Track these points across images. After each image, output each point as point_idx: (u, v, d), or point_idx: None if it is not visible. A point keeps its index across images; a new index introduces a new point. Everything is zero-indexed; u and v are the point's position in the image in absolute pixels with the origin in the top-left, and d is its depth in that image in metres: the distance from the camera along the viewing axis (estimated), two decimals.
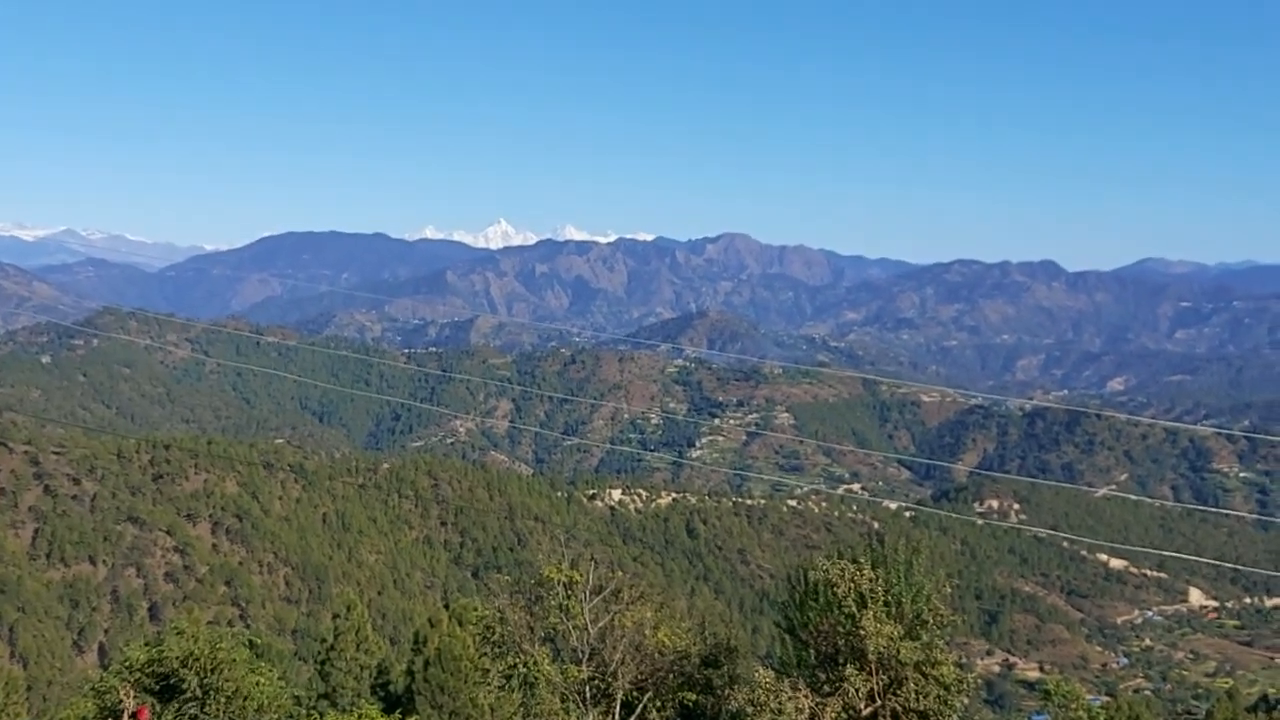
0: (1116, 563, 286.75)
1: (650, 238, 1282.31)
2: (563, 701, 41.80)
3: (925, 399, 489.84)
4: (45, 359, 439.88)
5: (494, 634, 47.34)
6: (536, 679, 43.39)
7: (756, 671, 34.15)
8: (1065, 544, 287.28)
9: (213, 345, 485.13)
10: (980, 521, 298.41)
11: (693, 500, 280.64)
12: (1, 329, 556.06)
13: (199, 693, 41.01)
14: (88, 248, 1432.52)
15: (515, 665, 44.62)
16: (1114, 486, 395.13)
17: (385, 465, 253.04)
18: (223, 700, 41.06)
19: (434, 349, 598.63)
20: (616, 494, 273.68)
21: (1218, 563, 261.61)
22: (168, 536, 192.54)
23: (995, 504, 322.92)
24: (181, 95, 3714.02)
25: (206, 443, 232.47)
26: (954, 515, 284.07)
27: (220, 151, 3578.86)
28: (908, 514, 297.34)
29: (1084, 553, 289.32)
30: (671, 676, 40.96)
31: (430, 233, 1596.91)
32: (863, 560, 33.53)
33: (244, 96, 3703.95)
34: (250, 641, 50.97)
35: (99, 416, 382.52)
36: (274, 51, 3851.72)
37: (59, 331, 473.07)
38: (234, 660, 42.57)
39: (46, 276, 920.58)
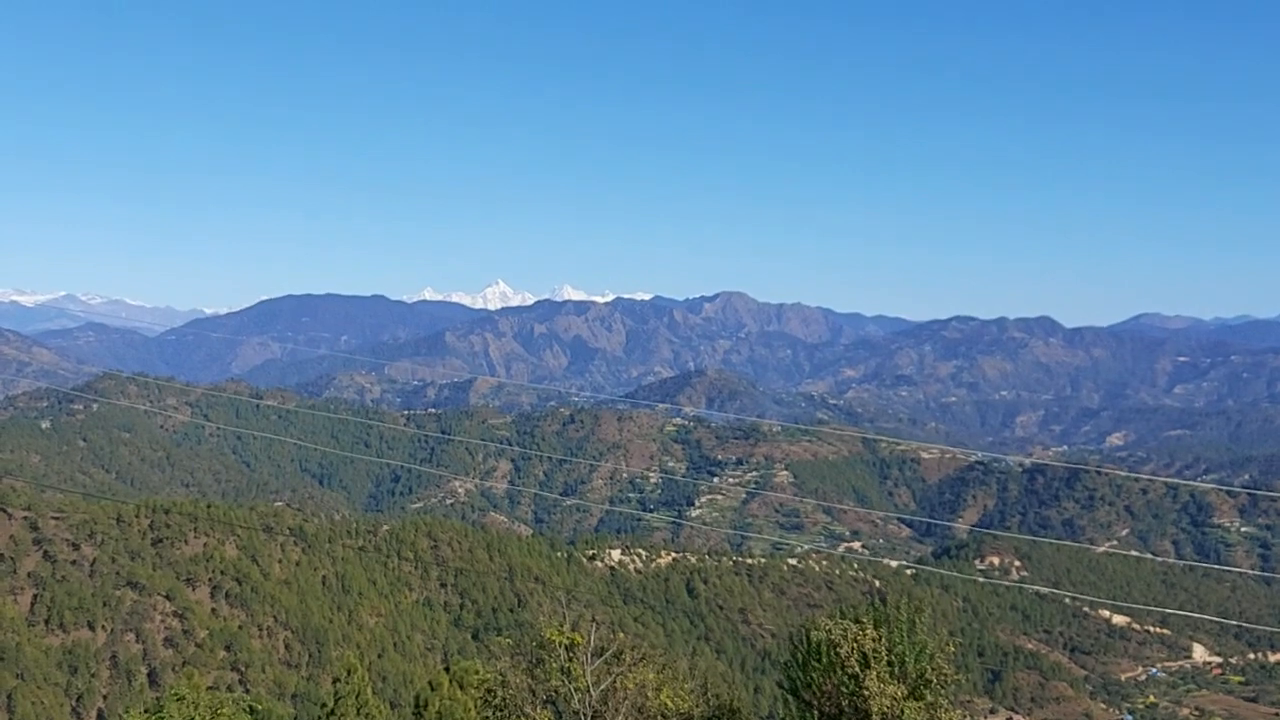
0: (1119, 619, 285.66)
1: (648, 297, 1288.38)
2: None
3: (925, 456, 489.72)
4: (45, 424, 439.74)
5: (495, 697, 47.15)
6: None
7: None
8: (1067, 600, 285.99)
9: (212, 409, 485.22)
10: (981, 579, 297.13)
11: (693, 560, 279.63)
12: (1, 394, 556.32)
13: None
14: (87, 312, 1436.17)
15: None
16: (1115, 542, 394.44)
17: (385, 527, 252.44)
18: None
19: (433, 410, 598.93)
20: (616, 554, 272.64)
21: (1221, 619, 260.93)
22: (167, 601, 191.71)
23: (996, 561, 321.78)
24: (180, 161, 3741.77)
25: (206, 506, 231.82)
26: (955, 573, 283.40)
27: (219, 216, 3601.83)
28: (909, 572, 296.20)
29: (1086, 609, 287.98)
30: None
31: (429, 294, 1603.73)
32: (865, 619, 33.55)
33: (241, 162, 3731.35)
34: (251, 707, 50.95)
35: (98, 481, 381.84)
36: (272, 117, 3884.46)
37: (59, 396, 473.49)
38: None
39: (46, 341, 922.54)
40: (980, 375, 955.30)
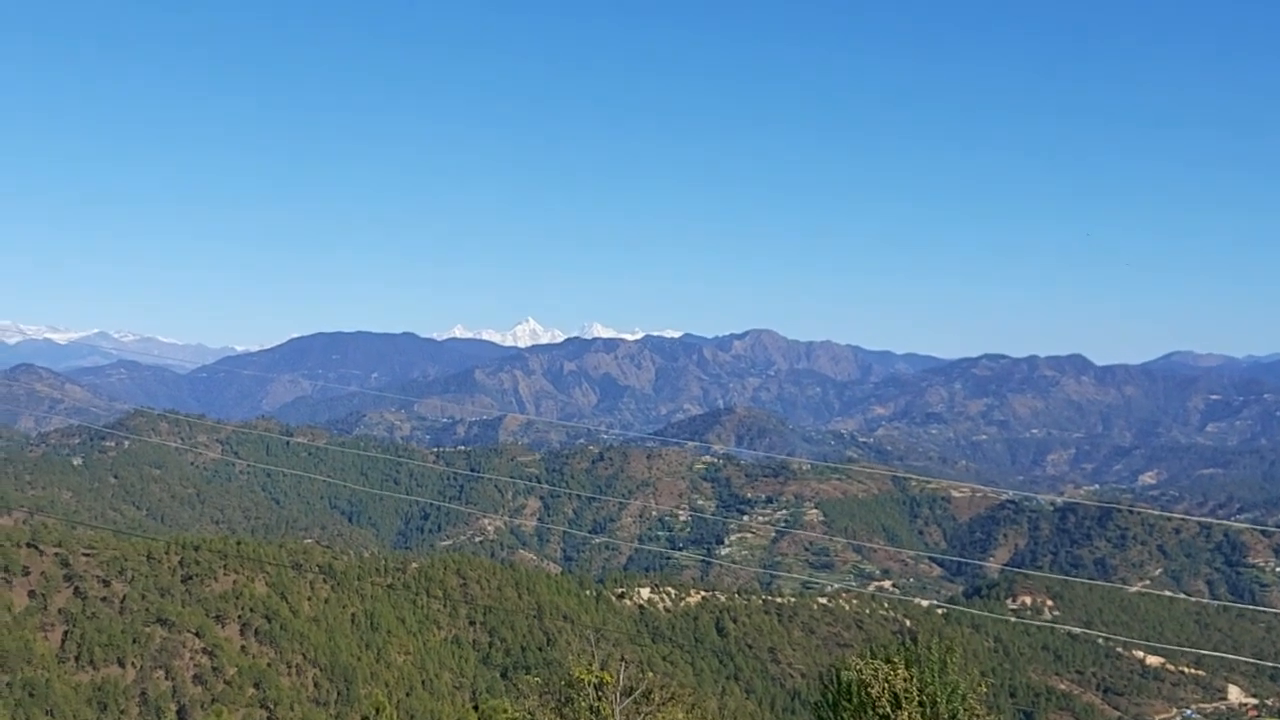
0: (1153, 659, 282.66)
1: (677, 335, 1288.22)
2: None
3: (955, 494, 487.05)
4: (77, 461, 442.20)
5: None
6: None
7: None
8: (1100, 641, 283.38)
9: (243, 446, 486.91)
10: (1013, 618, 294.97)
11: (722, 598, 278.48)
12: (34, 431, 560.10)
13: None
14: (120, 350, 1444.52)
15: None
16: (1148, 582, 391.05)
17: (414, 564, 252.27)
18: None
19: (463, 447, 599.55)
20: (645, 592, 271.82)
21: (1257, 660, 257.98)
22: (196, 638, 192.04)
23: (1028, 600, 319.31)
24: (212, 200, 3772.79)
25: (236, 543, 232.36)
26: (986, 612, 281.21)
27: (250, 254, 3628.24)
28: (940, 611, 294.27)
29: (1119, 649, 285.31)
30: None
31: (459, 332, 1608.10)
32: (897, 659, 33.31)
33: (272, 201, 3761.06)
34: None
35: (129, 518, 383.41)
36: (303, 157, 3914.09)
37: (90, 433, 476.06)
38: None
39: (79, 379, 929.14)
40: (1011, 413, 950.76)
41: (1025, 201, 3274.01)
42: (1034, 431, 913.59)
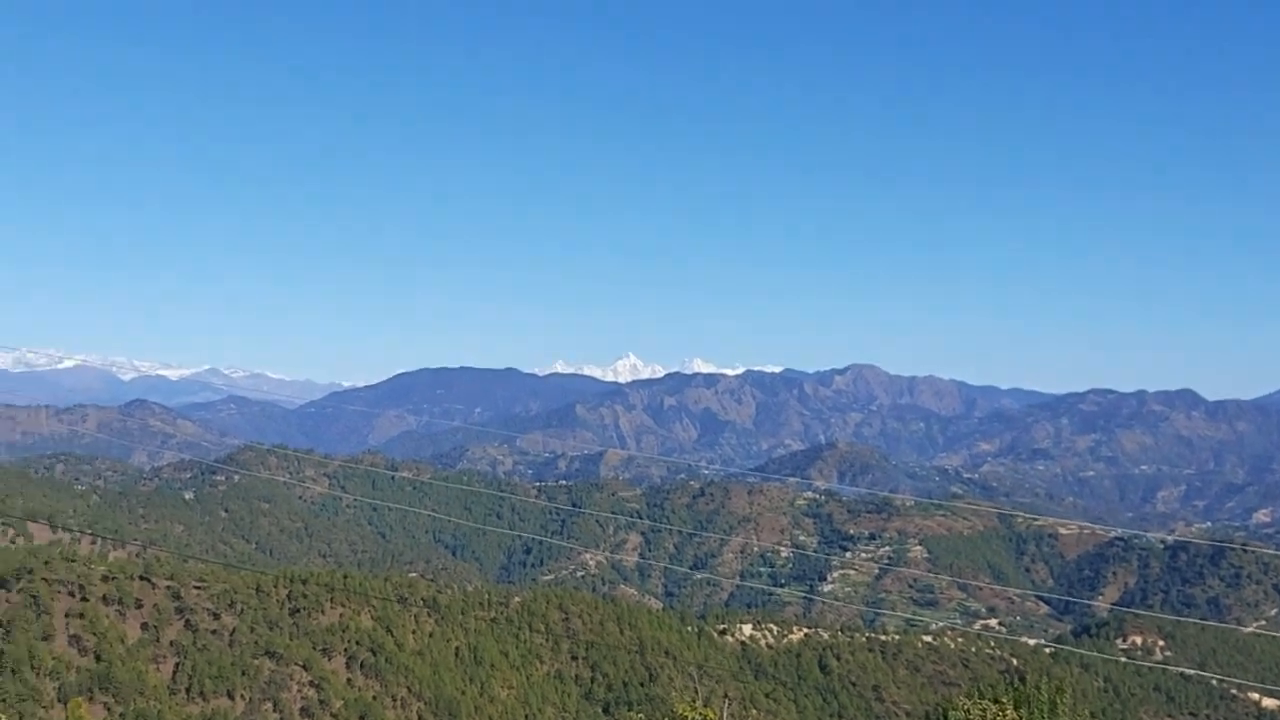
0: (1269, 702, 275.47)
1: (778, 369, 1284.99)
2: None
3: (1063, 531, 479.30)
4: (188, 495, 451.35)
5: None
6: None
7: None
8: (1214, 682, 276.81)
9: (349, 480, 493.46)
10: (1123, 659, 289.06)
11: (825, 635, 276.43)
12: (147, 465, 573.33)
13: None
14: (230, 386, 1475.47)
15: None
16: (1264, 622, 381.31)
17: (517, 599, 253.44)
18: None
19: (564, 482, 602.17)
20: (747, 629, 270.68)
21: None
22: (304, 671, 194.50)
23: (1139, 640, 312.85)
24: (320, 239, 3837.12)
25: (342, 577, 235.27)
26: (1096, 652, 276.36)
27: (358, 292, 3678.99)
28: (1048, 650, 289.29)
29: (1234, 691, 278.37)
30: None
31: (560, 367, 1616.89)
32: (1005, 699, 33.20)
33: (379, 239, 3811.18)
34: None
35: (239, 551, 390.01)
36: (407, 196, 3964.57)
37: (202, 468, 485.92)
38: None
39: (190, 414, 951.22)
40: (1119, 449, 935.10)
41: (1133, 235, 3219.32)
42: (1143, 468, 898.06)
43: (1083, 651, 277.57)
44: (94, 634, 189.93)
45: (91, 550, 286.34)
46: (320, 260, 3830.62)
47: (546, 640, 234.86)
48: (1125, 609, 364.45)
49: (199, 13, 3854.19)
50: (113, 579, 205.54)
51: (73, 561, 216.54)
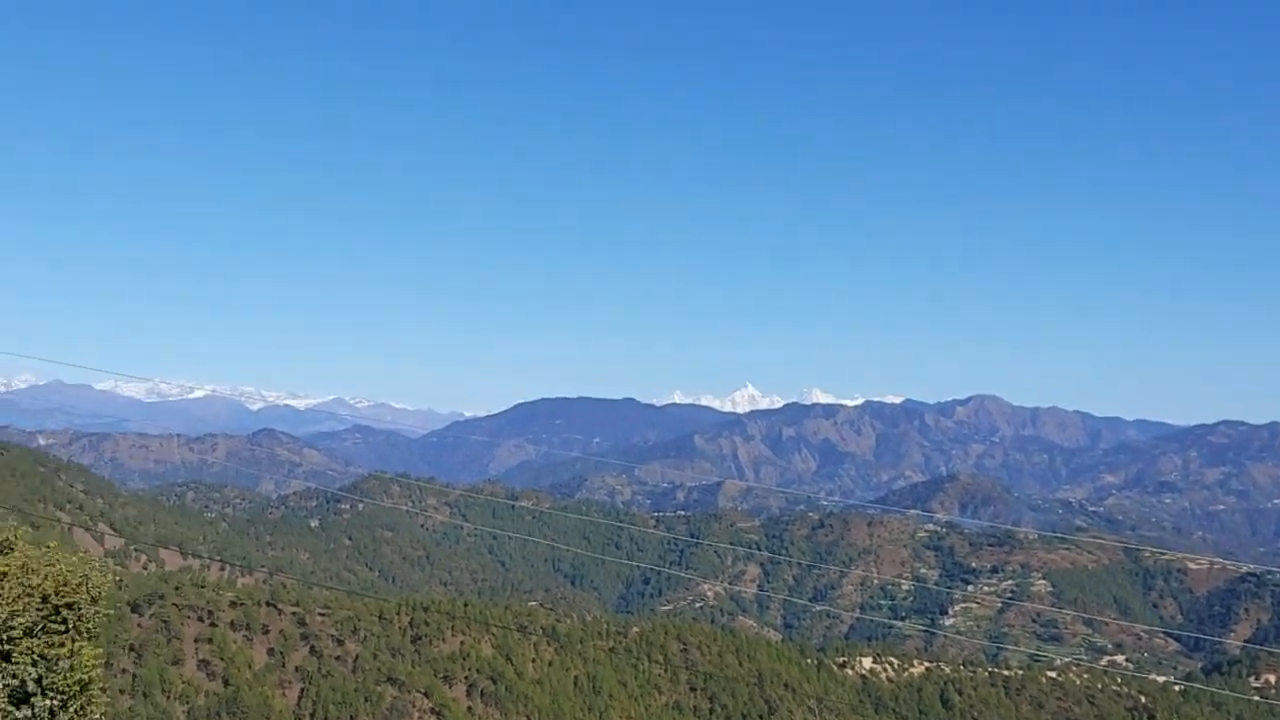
0: None
1: (898, 400, 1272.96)
2: None
3: (1192, 566, 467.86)
4: (314, 523, 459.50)
5: None
6: None
7: None
8: None
9: (470, 509, 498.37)
10: (1257, 698, 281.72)
11: (947, 670, 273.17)
12: (274, 493, 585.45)
13: None
14: (355, 415, 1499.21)
15: None
16: None
17: (635, 629, 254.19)
18: None
19: (683, 513, 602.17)
20: (868, 662, 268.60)
21: None
22: (425, 698, 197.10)
23: (1273, 679, 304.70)
24: (442, 272, 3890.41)
25: (463, 605, 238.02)
26: (1228, 691, 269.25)
27: (480, 323, 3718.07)
28: (1177, 689, 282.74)
29: None
30: None
31: (678, 397, 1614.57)
32: None
33: (499, 271, 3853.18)
34: None
35: (362, 579, 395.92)
36: (529, 235, 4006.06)
37: (327, 496, 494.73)
38: None
39: (316, 443, 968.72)
40: (1250, 482, 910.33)
41: (1261, 266, 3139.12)
42: (1276, 502, 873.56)
43: (1214, 690, 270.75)
44: (222, 659, 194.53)
45: (220, 577, 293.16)
46: (443, 293, 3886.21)
47: (665, 671, 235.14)
48: (1258, 646, 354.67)
49: (346, 67, 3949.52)
50: (240, 605, 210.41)
51: (202, 588, 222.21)
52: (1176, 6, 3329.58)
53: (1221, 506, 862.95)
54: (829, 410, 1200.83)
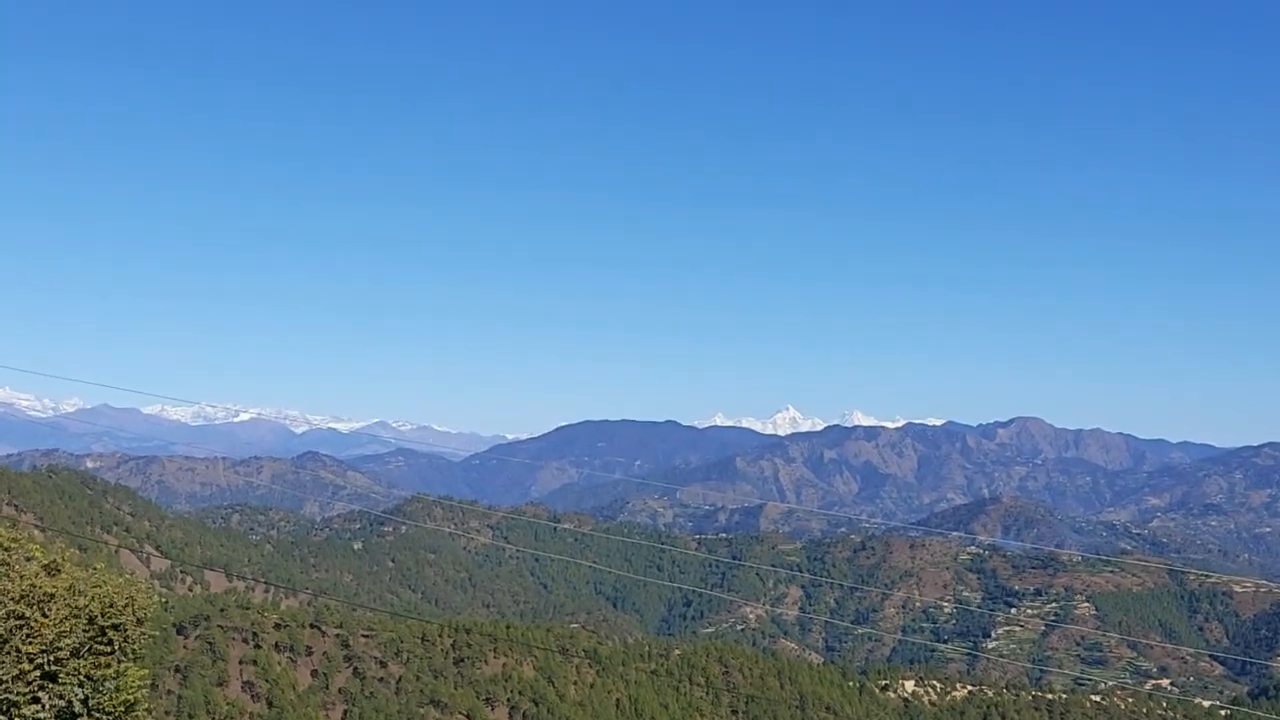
0: None
1: (939, 422, 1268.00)
2: None
3: (1238, 589, 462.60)
4: (357, 545, 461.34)
5: None
6: None
7: None
8: None
9: (512, 531, 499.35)
10: None
11: (990, 693, 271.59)
12: (318, 516, 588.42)
13: None
14: (398, 438, 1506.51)
15: None
16: None
17: (677, 651, 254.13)
18: None
19: (724, 535, 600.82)
20: (910, 685, 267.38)
21: None
22: None
23: None
24: (485, 297, 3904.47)
25: (505, 627, 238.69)
26: (1275, 715, 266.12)
27: (522, 347, 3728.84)
28: (1223, 713, 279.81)
29: None
30: None
31: (719, 420, 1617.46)
32: None
33: (541, 295, 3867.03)
34: None
35: (405, 600, 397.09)
36: (569, 258, 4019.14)
37: (370, 519, 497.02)
38: None
39: (360, 466, 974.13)
40: None
41: None
42: None
43: (1261, 715, 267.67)
44: (266, 680, 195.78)
45: (265, 598, 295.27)
46: (486, 317, 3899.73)
47: (707, 693, 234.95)
48: None
49: (404, 99, 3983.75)
50: (285, 627, 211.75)
51: (247, 609, 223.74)
52: None
53: (1268, 529, 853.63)
54: (870, 432, 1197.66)
